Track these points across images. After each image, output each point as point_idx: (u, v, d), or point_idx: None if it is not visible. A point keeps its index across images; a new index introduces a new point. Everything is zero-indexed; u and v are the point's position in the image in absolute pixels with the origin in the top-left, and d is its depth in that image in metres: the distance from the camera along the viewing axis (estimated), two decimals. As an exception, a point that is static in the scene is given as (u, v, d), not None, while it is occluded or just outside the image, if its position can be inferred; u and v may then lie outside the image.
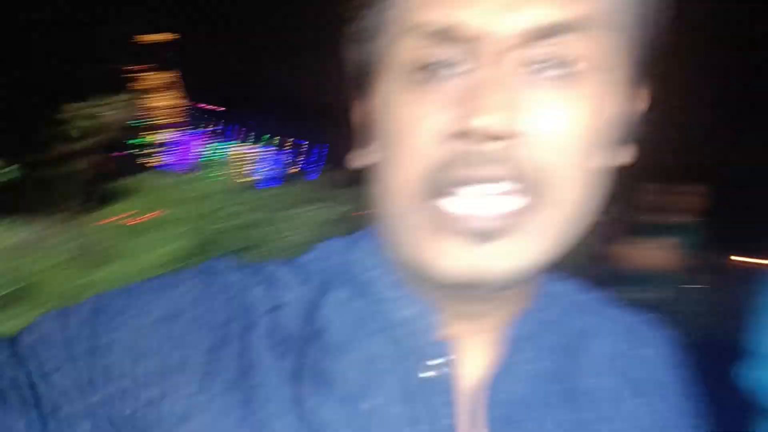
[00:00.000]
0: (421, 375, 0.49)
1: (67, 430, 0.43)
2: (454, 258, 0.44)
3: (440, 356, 0.49)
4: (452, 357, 0.50)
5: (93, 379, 0.43)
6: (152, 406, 0.44)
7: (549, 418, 0.50)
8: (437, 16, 0.43)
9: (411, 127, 0.45)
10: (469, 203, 0.43)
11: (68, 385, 0.43)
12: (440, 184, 0.44)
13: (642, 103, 0.50)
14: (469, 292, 0.46)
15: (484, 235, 0.43)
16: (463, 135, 0.42)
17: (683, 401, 0.57)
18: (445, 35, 0.43)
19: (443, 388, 0.49)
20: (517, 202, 0.43)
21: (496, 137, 0.41)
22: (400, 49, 0.46)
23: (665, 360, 0.57)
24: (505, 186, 0.43)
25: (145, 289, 0.49)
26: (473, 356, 0.51)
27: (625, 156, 0.51)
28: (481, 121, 0.41)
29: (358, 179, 0.53)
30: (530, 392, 0.50)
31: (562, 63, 0.43)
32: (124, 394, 0.44)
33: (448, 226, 0.44)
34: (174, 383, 0.45)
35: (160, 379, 0.45)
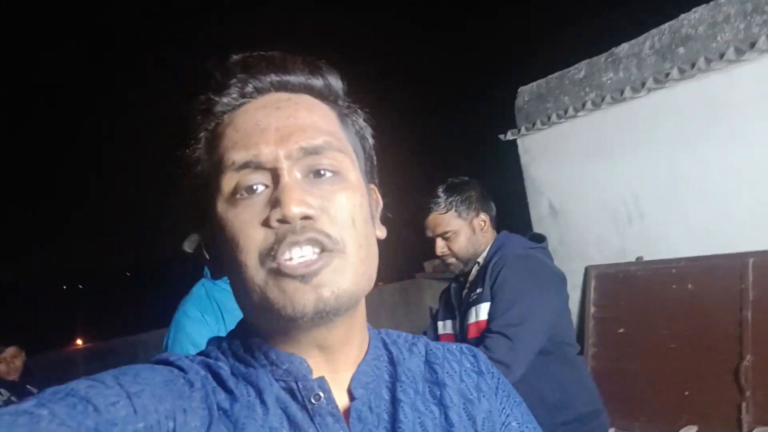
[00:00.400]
0: (313, 404, 0.65)
1: None
2: (300, 296, 0.60)
3: (322, 390, 0.66)
4: (329, 390, 0.66)
5: (137, 411, 0.56)
6: None
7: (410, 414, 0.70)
8: (240, 156, 0.63)
9: (241, 226, 0.63)
10: (293, 261, 0.60)
11: (123, 414, 0.55)
12: (272, 254, 0.61)
13: (378, 200, 0.77)
14: (319, 319, 0.62)
15: (307, 276, 0.60)
16: (282, 221, 0.60)
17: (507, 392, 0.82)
18: (249, 166, 0.63)
19: (332, 409, 0.65)
20: (321, 255, 0.61)
21: (302, 217, 0.61)
22: (222, 182, 0.64)
23: (488, 368, 0.82)
24: (313, 248, 0.61)
25: (141, 368, 0.63)
26: (336, 392, 0.67)
27: (382, 232, 0.75)
28: (290, 210, 0.60)
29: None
30: (377, 410, 0.69)
31: (329, 169, 0.65)
32: (158, 424, 0.57)
33: (286, 276, 0.60)
34: (183, 419, 0.59)
35: (175, 416, 0.58)
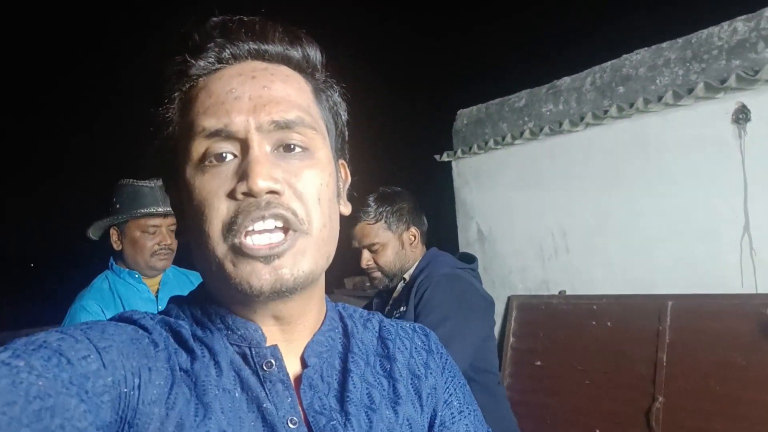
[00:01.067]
0: (265, 370, 0.66)
1: (96, 399, 0.54)
2: (257, 276, 0.61)
3: (274, 358, 0.67)
4: (281, 358, 0.68)
5: (106, 365, 0.57)
6: (137, 389, 0.58)
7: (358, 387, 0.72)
8: (211, 123, 0.63)
9: (207, 195, 0.63)
10: (255, 239, 0.62)
11: (94, 368, 0.55)
12: (235, 228, 0.62)
13: (347, 175, 0.79)
14: (275, 297, 0.63)
15: (269, 257, 0.62)
16: (247, 194, 0.61)
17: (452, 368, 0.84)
18: (220, 134, 0.63)
19: (282, 377, 0.67)
20: (284, 234, 0.63)
21: (267, 192, 0.62)
22: (191, 148, 0.64)
23: (437, 347, 0.84)
24: (275, 223, 0.62)
25: (106, 324, 0.63)
26: (290, 359, 0.70)
27: (347, 208, 0.76)
28: (256, 184, 0.60)
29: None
30: (326, 377, 0.72)
31: (300, 144, 0.66)
32: (124, 379, 0.58)
33: (247, 256, 0.62)
34: (148, 377, 0.59)
35: (140, 373, 0.59)
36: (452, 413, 0.79)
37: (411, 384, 0.77)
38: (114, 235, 2.17)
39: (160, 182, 2.12)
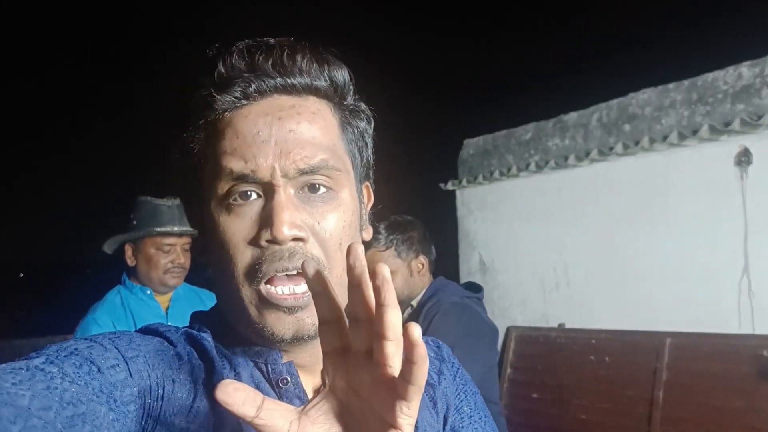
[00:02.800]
0: (281, 387, 0.67)
1: (124, 408, 0.56)
2: (281, 325, 0.64)
3: (290, 374, 0.68)
4: (296, 375, 0.68)
5: (132, 375, 0.59)
6: (161, 399, 0.61)
7: None
8: (239, 166, 0.63)
9: (231, 238, 0.65)
10: (279, 289, 0.63)
11: (122, 377, 0.57)
12: (259, 276, 0.63)
13: (370, 197, 0.79)
14: (296, 342, 0.66)
15: (294, 308, 0.64)
16: (272, 241, 0.62)
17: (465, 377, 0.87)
18: (245, 178, 0.63)
19: (299, 393, 0.68)
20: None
21: (291, 240, 0.62)
22: (217, 185, 0.65)
23: (449, 357, 0.88)
24: (299, 270, 0.62)
25: (133, 334, 0.66)
26: (308, 376, 0.71)
27: (368, 233, 0.76)
28: (281, 233, 0.61)
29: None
30: None
31: (324, 184, 0.66)
32: (149, 389, 0.60)
33: (272, 305, 0.63)
34: (171, 388, 0.62)
35: (164, 384, 0.62)
36: (462, 418, 0.80)
37: (426, 393, 0.77)
38: (129, 250, 2.20)
39: (177, 201, 2.15)
